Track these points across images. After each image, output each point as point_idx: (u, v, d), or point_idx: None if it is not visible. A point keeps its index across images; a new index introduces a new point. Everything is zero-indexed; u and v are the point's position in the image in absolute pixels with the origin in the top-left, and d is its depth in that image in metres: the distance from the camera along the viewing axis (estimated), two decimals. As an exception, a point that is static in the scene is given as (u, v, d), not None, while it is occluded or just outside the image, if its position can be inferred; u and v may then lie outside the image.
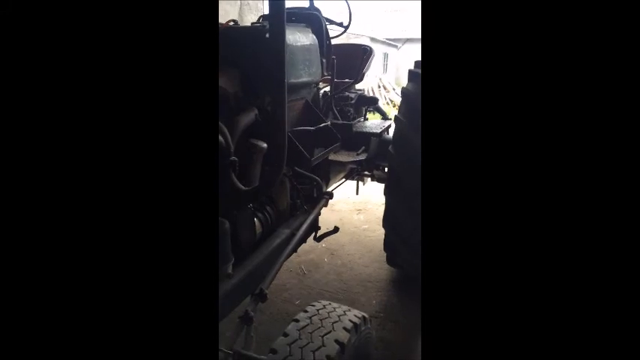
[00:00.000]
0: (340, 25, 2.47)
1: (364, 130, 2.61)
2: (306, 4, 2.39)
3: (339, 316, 1.11)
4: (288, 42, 1.24)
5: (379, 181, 2.77)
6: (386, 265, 2.64)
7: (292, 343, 0.99)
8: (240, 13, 5.17)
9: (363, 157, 2.46)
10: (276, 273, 1.49)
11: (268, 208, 1.71)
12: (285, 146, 1.37)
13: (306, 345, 0.98)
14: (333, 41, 2.31)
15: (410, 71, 2.32)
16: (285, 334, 1.03)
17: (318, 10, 2.24)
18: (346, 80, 2.61)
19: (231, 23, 1.75)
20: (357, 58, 2.85)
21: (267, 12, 2.08)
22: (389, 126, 2.81)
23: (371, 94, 3.84)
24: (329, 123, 2.07)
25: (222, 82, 1.49)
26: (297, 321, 1.09)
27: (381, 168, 2.69)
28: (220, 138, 1.38)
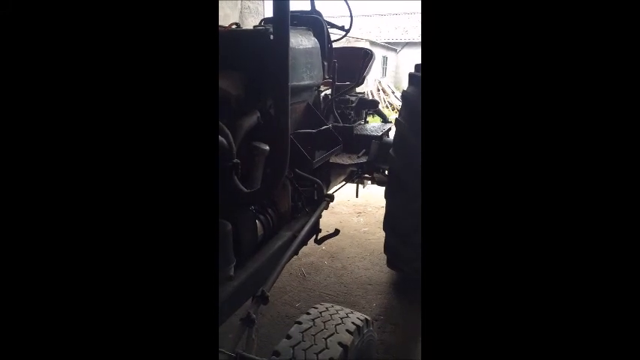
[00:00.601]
0: (341, 28, 2.48)
1: (365, 132, 2.62)
2: (308, 7, 2.40)
3: (341, 319, 1.11)
4: (290, 45, 1.25)
5: (379, 183, 2.78)
6: (386, 268, 2.64)
7: (295, 345, 0.99)
8: (241, 16, 5.18)
9: (363, 159, 2.46)
10: (278, 275, 1.49)
11: (270, 210, 1.71)
12: (288, 149, 1.37)
13: (309, 347, 0.98)
14: (334, 44, 2.32)
15: (410, 74, 2.33)
16: (288, 337, 1.03)
17: (319, 13, 2.25)
18: (347, 83, 2.62)
19: (234, 26, 1.76)
20: (357, 61, 2.86)
21: (267, 15, 2.09)
22: (389, 129, 2.82)
23: (370, 98, 3.85)
24: (330, 126, 2.08)
25: (225, 84, 1.50)
26: (299, 323, 1.09)
27: (381, 171, 2.70)
28: (223, 140, 1.38)
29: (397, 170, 2.20)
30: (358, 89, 3.09)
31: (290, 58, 1.27)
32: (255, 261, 1.52)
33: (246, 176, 1.53)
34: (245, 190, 1.47)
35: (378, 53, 15.25)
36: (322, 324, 1.07)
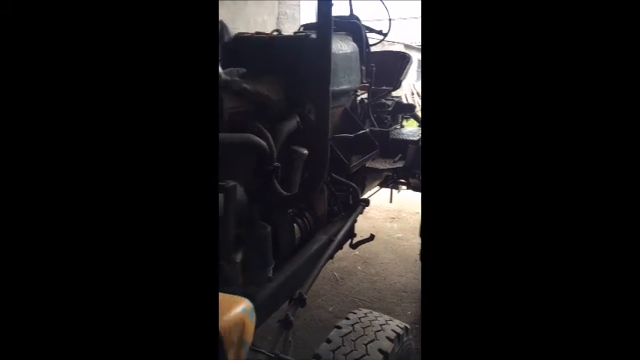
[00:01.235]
0: (379, 32, 2.47)
1: (401, 137, 2.59)
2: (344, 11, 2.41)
3: (381, 326, 1.10)
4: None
5: (415, 189, 2.73)
6: (421, 276, 2.58)
7: (336, 349, 0.99)
8: (278, 22, 5.28)
9: (400, 164, 2.43)
10: (315, 279, 1.50)
11: (307, 214, 1.73)
12: (327, 154, 1.38)
13: (350, 352, 0.98)
14: (372, 48, 2.31)
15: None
16: (328, 341, 1.03)
17: (357, 18, 2.26)
18: (384, 87, 2.61)
19: (275, 33, 1.79)
20: (394, 65, 2.84)
21: (303, 22, 2.12)
22: (426, 133, 2.76)
23: (406, 102, 3.81)
24: (367, 130, 2.07)
25: (266, 89, 1.53)
26: (339, 327, 1.09)
27: (417, 176, 2.65)
28: (264, 144, 1.41)
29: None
30: (394, 93, 3.06)
31: (331, 62, 1.29)
32: (293, 264, 1.53)
33: (285, 180, 1.56)
34: (284, 193, 1.49)
35: (414, 57, 15.03)
36: (362, 330, 1.07)
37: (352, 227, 1.91)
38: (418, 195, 2.35)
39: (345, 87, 1.89)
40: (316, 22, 1.25)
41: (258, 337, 0.99)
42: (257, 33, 1.80)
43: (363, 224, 3.43)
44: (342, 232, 1.75)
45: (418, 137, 2.61)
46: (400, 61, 2.88)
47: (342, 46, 1.87)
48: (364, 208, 2.00)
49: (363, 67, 2.10)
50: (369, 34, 2.30)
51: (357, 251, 2.72)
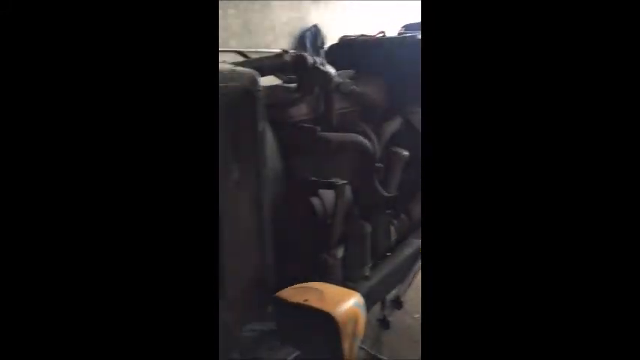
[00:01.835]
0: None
1: None
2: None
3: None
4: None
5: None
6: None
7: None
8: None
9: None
10: (411, 282, 1.49)
11: (403, 216, 1.71)
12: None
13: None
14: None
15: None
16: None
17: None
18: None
19: (380, 34, 1.81)
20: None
21: (409, 22, 2.10)
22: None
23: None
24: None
25: (371, 90, 1.56)
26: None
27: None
28: (368, 144, 1.43)
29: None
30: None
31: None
32: (387, 265, 1.54)
33: (384, 180, 1.56)
34: (385, 193, 1.50)
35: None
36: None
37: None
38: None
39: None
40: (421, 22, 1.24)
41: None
42: (362, 35, 1.83)
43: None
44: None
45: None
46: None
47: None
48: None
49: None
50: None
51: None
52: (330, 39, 4.57)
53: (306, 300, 0.93)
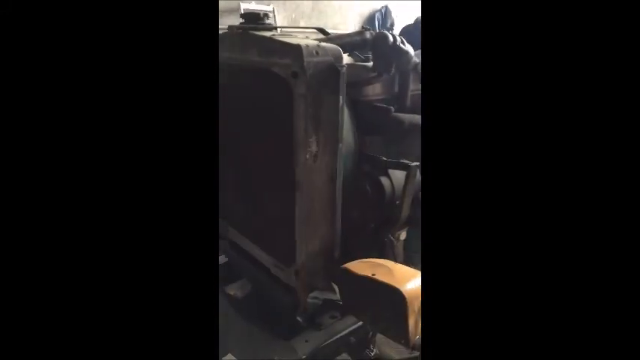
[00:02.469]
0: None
1: None
2: None
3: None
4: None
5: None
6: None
7: None
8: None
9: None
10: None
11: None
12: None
13: None
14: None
15: None
16: None
17: None
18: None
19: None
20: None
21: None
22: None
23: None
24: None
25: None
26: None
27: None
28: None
29: None
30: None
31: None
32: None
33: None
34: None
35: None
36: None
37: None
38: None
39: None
40: None
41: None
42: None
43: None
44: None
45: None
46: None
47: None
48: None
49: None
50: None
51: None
52: (400, 21, 4.44)
53: (374, 274, 0.95)
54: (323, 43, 1.03)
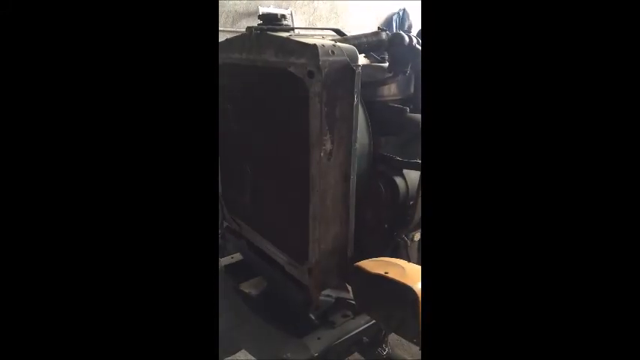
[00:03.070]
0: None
1: None
2: None
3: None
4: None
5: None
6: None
7: None
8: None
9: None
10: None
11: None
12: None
13: None
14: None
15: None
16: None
17: None
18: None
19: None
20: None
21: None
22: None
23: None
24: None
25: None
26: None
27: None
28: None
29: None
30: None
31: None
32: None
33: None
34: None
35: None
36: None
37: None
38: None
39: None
40: None
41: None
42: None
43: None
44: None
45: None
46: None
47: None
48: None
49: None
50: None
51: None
52: (418, 23, 4.41)
53: (387, 272, 0.95)
54: (339, 43, 1.04)
